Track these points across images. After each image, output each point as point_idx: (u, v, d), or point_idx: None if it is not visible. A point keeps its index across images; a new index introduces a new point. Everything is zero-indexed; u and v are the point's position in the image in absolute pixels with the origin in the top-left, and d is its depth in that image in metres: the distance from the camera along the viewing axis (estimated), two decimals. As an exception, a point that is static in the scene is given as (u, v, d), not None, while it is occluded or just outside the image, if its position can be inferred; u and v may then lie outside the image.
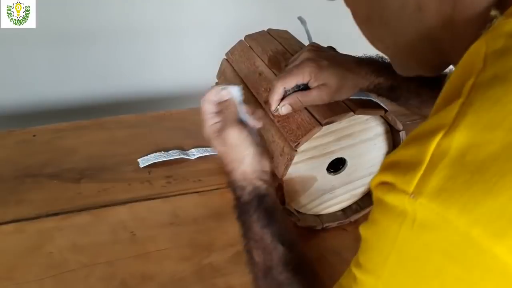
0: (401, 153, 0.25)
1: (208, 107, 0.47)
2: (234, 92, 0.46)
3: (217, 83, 0.71)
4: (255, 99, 0.58)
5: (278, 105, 0.50)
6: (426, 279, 0.24)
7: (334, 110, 0.49)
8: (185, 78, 1.17)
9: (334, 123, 0.49)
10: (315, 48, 0.52)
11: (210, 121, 0.47)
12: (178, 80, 1.17)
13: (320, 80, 0.47)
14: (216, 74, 0.71)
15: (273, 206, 0.44)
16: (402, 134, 0.54)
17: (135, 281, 0.50)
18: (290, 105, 0.49)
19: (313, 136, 0.48)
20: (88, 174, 0.67)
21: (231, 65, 0.68)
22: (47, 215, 0.59)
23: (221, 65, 0.70)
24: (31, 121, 1.01)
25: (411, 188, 0.23)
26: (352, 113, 0.48)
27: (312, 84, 0.48)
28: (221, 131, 0.46)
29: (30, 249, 0.54)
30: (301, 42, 0.68)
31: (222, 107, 0.47)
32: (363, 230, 0.29)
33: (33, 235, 0.56)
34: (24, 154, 0.71)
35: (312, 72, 0.47)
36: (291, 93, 0.49)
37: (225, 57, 0.70)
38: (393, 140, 0.57)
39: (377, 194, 0.28)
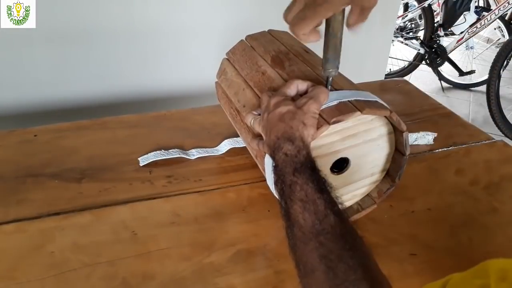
0: None
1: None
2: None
3: (216, 82, 0.71)
4: (258, 98, 0.58)
5: None
6: None
7: (341, 109, 0.49)
8: (185, 78, 1.17)
9: (340, 123, 0.49)
10: None
11: (302, 85, 0.51)
12: (179, 80, 1.17)
13: None
14: (216, 73, 0.71)
15: (323, 177, 0.43)
16: (406, 135, 0.54)
17: (136, 280, 0.51)
18: None
19: (320, 135, 0.48)
20: (89, 174, 0.68)
21: (232, 64, 0.68)
22: (48, 215, 0.59)
23: (221, 64, 0.70)
24: (32, 121, 1.01)
25: None
26: (359, 112, 0.48)
27: None
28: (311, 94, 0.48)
29: (31, 248, 0.54)
30: (302, 44, 0.68)
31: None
32: None
33: (34, 235, 0.56)
34: (25, 154, 0.72)
35: None
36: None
37: (226, 57, 0.70)
38: (395, 141, 0.58)
39: None
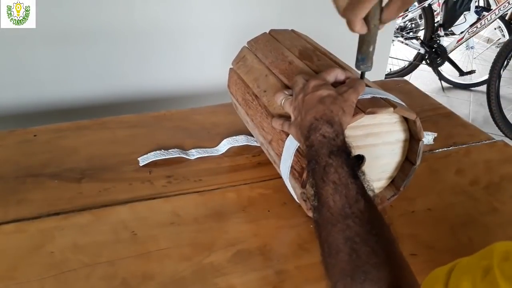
0: None
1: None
2: None
3: (231, 69, 0.71)
4: (282, 84, 0.59)
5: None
6: None
7: (375, 103, 0.50)
8: (185, 78, 1.17)
9: (368, 118, 0.49)
10: None
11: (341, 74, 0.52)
12: (179, 80, 1.17)
13: None
14: (233, 60, 0.71)
15: (356, 164, 0.44)
16: (421, 144, 0.55)
17: (136, 280, 0.50)
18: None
19: (350, 124, 0.48)
20: (89, 174, 0.68)
21: (253, 52, 0.68)
22: (48, 215, 0.59)
23: (240, 51, 0.71)
24: (32, 121, 1.01)
25: None
26: (391, 108, 0.49)
27: None
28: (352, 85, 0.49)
29: (31, 248, 0.54)
30: (324, 47, 0.69)
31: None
32: None
33: (34, 235, 0.56)
34: (25, 154, 0.72)
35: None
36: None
37: (246, 45, 0.71)
38: (408, 150, 0.58)
39: None
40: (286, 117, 0.54)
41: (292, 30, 0.73)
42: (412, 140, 0.57)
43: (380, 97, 0.51)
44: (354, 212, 0.39)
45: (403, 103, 0.54)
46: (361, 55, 0.49)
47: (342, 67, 0.60)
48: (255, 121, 0.64)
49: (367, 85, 0.53)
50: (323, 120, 0.45)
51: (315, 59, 0.61)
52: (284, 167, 0.55)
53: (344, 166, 0.42)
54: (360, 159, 0.56)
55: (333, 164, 0.42)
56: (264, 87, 0.61)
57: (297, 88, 0.52)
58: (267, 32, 0.71)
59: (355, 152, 0.54)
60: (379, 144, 0.55)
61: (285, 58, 0.62)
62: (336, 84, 0.52)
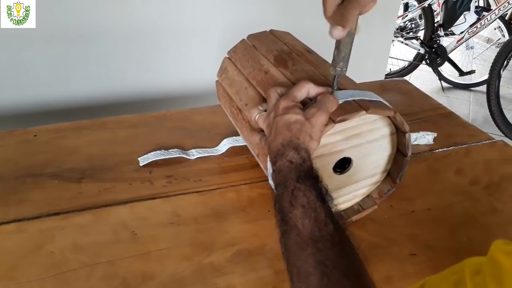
0: None
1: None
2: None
3: (217, 81, 0.71)
4: (261, 97, 0.58)
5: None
6: None
7: (346, 108, 0.49)
8: (185, 78, 1.17)
9: (345, 122, 0.49)
10: None
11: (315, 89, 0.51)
12: (179, 81, 1.17)
13: None
14: (217, 72, 0.71)
15: (325, 187, 0.44)
16: (408, 135, 0.54)
17: (136, 280, 0.51)
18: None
19: (324, 134, 0.48)
20: (89, 174, 0.68)
21: (233, 63, 0.68)
22: (48, 215, 0.59)
23: (222, 63, 0.70)
24: (32, 121, 1.01)
25: None
26: (364, 112, 0.48)
27: None
28: (320, 107, 0.48)
29: (31, 248, 0.54)
30: (304, 44, 0.68)
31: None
32: None
33: (34, 235, 0.56)
34: (25, 154, 0.72)
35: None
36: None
37: (227, 56, 0.70)
38: (397, 142, 0.58)
39: None
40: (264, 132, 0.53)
41: (271, 31, 0.72)
42: (399, 132, 0.56)
43: (353, 100, 0.50)
44: (323, 235, 0.39)
45: (381, 99, 0.52)
46: (339, 59, 0.48)
47: (317, 66, 0.59)
48: (243, 134, 0.64)
49: (341, 88, 0.52)
50: (289, 146, 0.45)
51: (290, 63, 0.60)
52: (272, 182, 0.55)
53: (313, 190, 0.42)
54: (348, 161, 0.56)
55: (301, 188, 0.42)
56: (245, 100, 0.61)
57: (270, 104, 0.51)
58: (246, 38, 0.71)
59: (341, 155, 0.54)
60: (363, 143, 0.55)
61: (261, 67, 0.62)
62: (312, 98, 0.51)
